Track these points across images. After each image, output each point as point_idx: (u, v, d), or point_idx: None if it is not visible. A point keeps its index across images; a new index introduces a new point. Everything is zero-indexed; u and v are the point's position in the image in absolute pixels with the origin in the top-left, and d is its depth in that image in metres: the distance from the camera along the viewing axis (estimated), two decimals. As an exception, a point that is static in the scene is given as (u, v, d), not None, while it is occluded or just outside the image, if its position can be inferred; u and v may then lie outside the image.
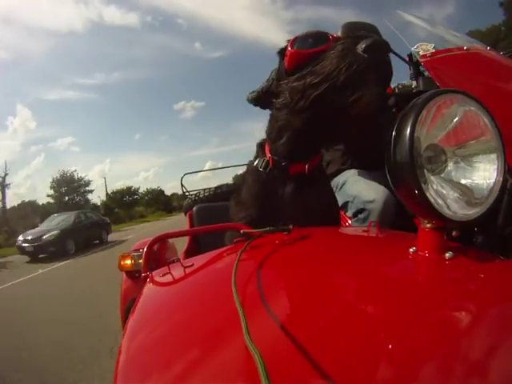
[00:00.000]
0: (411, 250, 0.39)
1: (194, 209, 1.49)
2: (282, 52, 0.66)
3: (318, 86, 0.54)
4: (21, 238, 8.71)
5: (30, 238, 8.46)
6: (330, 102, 0.55)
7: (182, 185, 1.82)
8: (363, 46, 0.51)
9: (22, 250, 8.46)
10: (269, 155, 0.72)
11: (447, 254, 0.36)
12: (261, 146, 0.78)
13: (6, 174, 17.49)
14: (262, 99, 0.73)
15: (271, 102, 0.69)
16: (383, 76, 0.56)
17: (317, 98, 0.55)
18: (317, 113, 0.57)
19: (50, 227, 9.07)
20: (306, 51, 0.59)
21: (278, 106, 0.64)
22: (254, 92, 0.74)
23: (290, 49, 0.61)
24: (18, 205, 21.55)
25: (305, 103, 0.56)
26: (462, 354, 0.25)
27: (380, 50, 0.52)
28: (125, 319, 1.07)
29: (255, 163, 0.76)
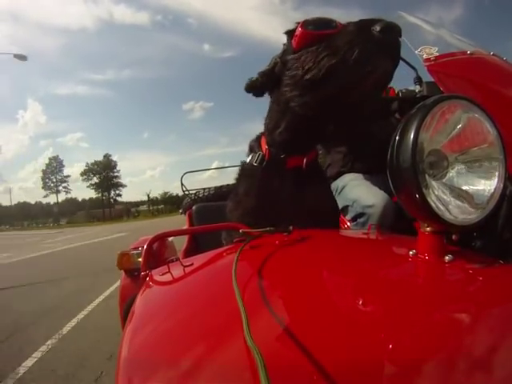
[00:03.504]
0: (411, 252, 0.39)
1: (194, 208, 1.49)
2: (290, 33, 0.66)
3: (331, 57, 0.55)
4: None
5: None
6: (341, 76, 0.55)
7: (181, 183, 1.82)
8: (377, 27, 0.51)
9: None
10: (265, 147, 0.71)
11: (447, 257, 0.37)
12: (257, 140, 0.76)
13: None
14: (259, 86, 0.71)
15: (272, 86, 0.68)
16: (395, 59, 0.56)
17: (329, 69, 0.55)
18: (325, 90, 0.57)
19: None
20: (316, 32, 0.59)
21: (287, 81, 0.63)
22: (251, 79, 0.72)
23: (300, 29, 0.60)
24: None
25: (317, 73, 0.56)
26: (462, 357, 0.25)
27: (394, 33, 0.53)
28: (124, 317, 1.07)
29: (249, 159, 0.74)
